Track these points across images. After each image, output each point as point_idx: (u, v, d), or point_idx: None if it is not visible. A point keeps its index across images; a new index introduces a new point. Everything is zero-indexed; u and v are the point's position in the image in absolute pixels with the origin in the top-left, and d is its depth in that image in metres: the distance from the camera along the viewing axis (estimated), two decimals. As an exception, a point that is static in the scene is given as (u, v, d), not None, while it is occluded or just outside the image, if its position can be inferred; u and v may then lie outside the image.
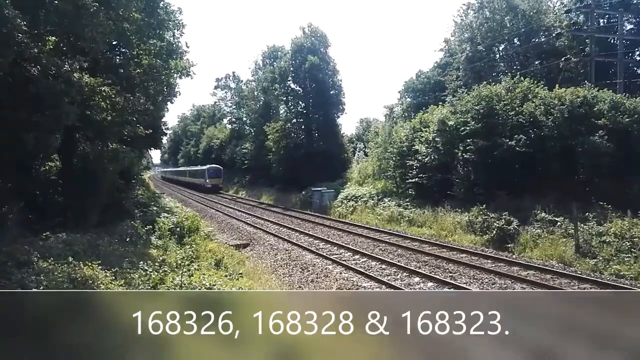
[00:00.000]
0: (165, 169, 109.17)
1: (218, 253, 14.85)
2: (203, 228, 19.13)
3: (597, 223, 16.05)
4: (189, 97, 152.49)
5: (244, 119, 69.98)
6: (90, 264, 8.74)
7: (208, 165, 58.06)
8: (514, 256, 16.27)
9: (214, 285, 10.05)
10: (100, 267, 8.86)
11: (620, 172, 18.56)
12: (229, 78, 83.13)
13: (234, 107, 78.23)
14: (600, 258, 14.33)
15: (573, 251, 15.32)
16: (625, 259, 13.81)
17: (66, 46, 13.96)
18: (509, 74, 28.22)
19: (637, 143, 18.93)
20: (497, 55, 40.88)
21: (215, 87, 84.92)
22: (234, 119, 75.79)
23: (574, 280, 12.75)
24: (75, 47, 13.95)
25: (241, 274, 13.13)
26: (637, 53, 34.81)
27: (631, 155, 18.75)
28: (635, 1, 33.08)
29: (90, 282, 8.13)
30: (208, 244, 16.32)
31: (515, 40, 39.20)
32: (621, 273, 13.26)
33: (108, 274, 8.78)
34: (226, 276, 12.09)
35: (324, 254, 16.62)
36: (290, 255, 16.91)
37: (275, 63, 55.95)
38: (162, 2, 21.27)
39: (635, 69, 34.32)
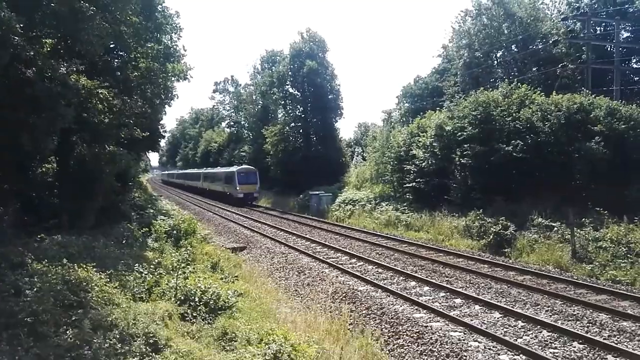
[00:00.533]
0: (169, 172, 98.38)
1: (214, 256, 14.82)
2: (200, 231, 19.09)
3: (594, 228, 16.07)
4: (188, 100, 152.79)
5: (242, 122, 70.20)
6: (84, 265, 8.71)
7: (238, 167, 43.76)
8: (510, 261, 16.25)
9: (209, 287, 10.06)
10: (95, 269, 8.82)
11: (616, 178, 18.58)
12: (228, 82, 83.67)
13: (232, 110, 78.56)
14: (597, 263, 14.34)
15: (569, 256, 15.33)
16: (622, 264, 13.82)
17: (63, 49, 13.98)
18: (507, 80, 28.31)
19: (633, 149, 19.00)
20: (495, 62, 41.07)
21: (214, 91, 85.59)
22: (232, 123, 76.01)
23: (570, 286, 12.75)
24: (71, 50, 13.97)
25: (237, 276, 13.10)
26: (634, 60, 35.02)
27: (627, 162, 18.81)
28: (631, 9, 33.28)
29: (84, 284, 8.09)
30: (204, 247, 16.27)
31: (513, 47, 39.40)
32: (617, 278, 13.26)
33: (103, 276, 8.74)
34: (222, 279, 12.06)
35: (321, 258, 16.60)
36: (286, 259, 16.89)
37: (273, 67, 56.19)
38: (159, 6, 21.34)
39: (631, 76, 34.50)
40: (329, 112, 44.38)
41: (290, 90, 47.08)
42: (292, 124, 45.88)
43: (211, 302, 9.66)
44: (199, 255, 14.70)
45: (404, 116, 48.02)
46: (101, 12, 12.89)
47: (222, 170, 47.65)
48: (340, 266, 15.21)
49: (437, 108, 31.54)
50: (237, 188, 39.79)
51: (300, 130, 45.11)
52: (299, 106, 46.19)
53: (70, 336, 6.39)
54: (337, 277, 14.00)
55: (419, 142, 26.98)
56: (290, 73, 46.31)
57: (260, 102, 58.54)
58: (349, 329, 9.95)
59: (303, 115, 45.54)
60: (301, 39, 46.31)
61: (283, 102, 48.23)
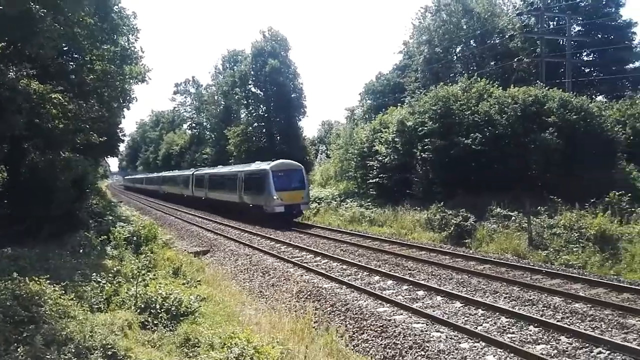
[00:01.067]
0: (134, 176, 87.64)
1: (176, 261, 14.55)
2: (161, 236, 18.73)
3: (549, 216, 16.69)
4: (148, 103, 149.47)
5: (205, 123, 69.43)
6: (37, 278, 8.37)
7: (272, 163, 27.42)
8: (470, 251, 16.68)
9: (170, 294, 9.89)
10: (48, 281, 8.50)
11: (568, 167, 19.34)
12: (189, 83, 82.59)
13: (193, 112, 77.65)
14: (552, 249, 14.91)
15: (526, 244, 15.85)
16: (574, 249, 14.43)
17: (12, 53, 13.49)
18: (466, 74, 29.00)
19: (583, 139, 19.77)
20: (454, 57, 41.92)
21: (175, 92, 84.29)
22: (194, 124, 75.18)
23: (526, 272, 13.18)
24: (21, 54, 13.51)
25: (199, 281, 12.92)
26: (585, 53, 36.42)
27: (578, 151, 19.55)
28: (582, 4, 34.59)
29: (36, 297, 7.80)
30: (166, 252, 15.97)
31: (472, 42, 40.36)
32: (570, 262, 13.84)
33: (57, 288, 8.42)
34: (184, 284, 11.89)
35: (285, 257, 16.57)
36: (251, 260, 16.78)
37: (235, 67, 55.83)
38: (115, 7, 20.83)
39: (582, 68, 35.87)
40: (292, 111, 44.45)
41: (253, 89, 46.95)
42: (255, 124, 45.74)
43: (173, 309, 9.49)
44: (160, 261, 14.43)
45: (366, 113, 48.50)
46: (52, 14, 12.50)
47: (239, 169, 31.28)
48: (305, 265, 15.23)
49: (399, 104, 32.09)
50: (275, 197, 24.96)
51: (264, 130, 45.04)
52: (261, 106, 46.07)
53: (22, 353, 6.15)
54: (302, 276, 14.01)
55: (382, 138, 27.32)
56: (252, 72, 46.17)
57: (222, 102, 58.03)
58: (314, 327, 9.97)
59: (266, 115, 45.45)
60: (263, 38, 46.21)
61: (245, 102, 48.00)
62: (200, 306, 10.23)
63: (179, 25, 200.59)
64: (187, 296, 10.26)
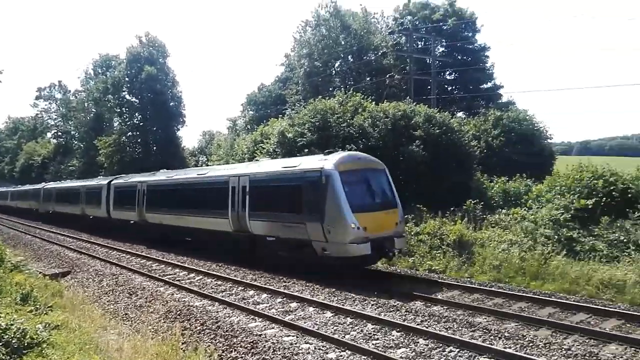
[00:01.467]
0: (56, 185, 66.32)
1: (26, 285, 12.95)
2: (10, 258, 16.58)
3: (415, 224, 17.80)
4: (3, 108, 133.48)
5: (72, 132, 63.95)
6: None
7: (333, 155, 14.31)
8: (345, 261, 17.10)
9: (11, 324, 8.71)
10: None
11: (433, 178, 20.88)
12: (54, 87, 75.84)
13: (59, 119, 71.22)
14: (418, 256, 15.91)
15: (396, 251, 16.70)
16: (436, 254, 15.54)
17: None
18: (343, 89, 30.07)
19: (445, 152, 21.50)
20: (333, 71, 43.46)
21: (37, 98, 76.80)
22: (59, 133, 69.05)
23: (395, 278, 13.87)
24: None
25: (51, 307, 11.60)
26: (447, 73, 40.03)
27: (440, 163, 21.23)
28: (445, 27, 38.01)
29: None
30: (15, 277, 14.13)
31: (349, 57, 42.15)
32: (433, 268, 14.88)
33: None
34: (31, 311, 10.58)
35: (156, 276, 15.64)
36: (117, 281, 15.55)
37: (108, 72, 52.46)
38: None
39: (446, 86, 39.35)
40: (170, 120, 42.85)
41: (127, 97, 44.46)
42: (130, 133, 43.30)
43: (14, 341, 8.35)
44: (6, 287, 12.70)
45: (248, 123, 48.36)
46: None
47: (236, 172, 18.00)
48: (177, 283, 14.49)
49: (280, 115, 32.33)
50: (352, 225, 12.93)
51: (139, 140, 42.75)
52: (137, 114, 43.75)
53: None
54: (172, 294, 13.29)
55: (263, 149, 27.25)
56: (127, 79, 43.74)
57: (93, 110, 54.03)
58: (181, 349, 9.45)
59: (142, 124, 43.22)
60: (139, 43, 44.09)
61: (119, 109, 45.26)
62: (50, 335, 9.16)
63: (42, 23, 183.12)
64: (34, 325, 9.13)
